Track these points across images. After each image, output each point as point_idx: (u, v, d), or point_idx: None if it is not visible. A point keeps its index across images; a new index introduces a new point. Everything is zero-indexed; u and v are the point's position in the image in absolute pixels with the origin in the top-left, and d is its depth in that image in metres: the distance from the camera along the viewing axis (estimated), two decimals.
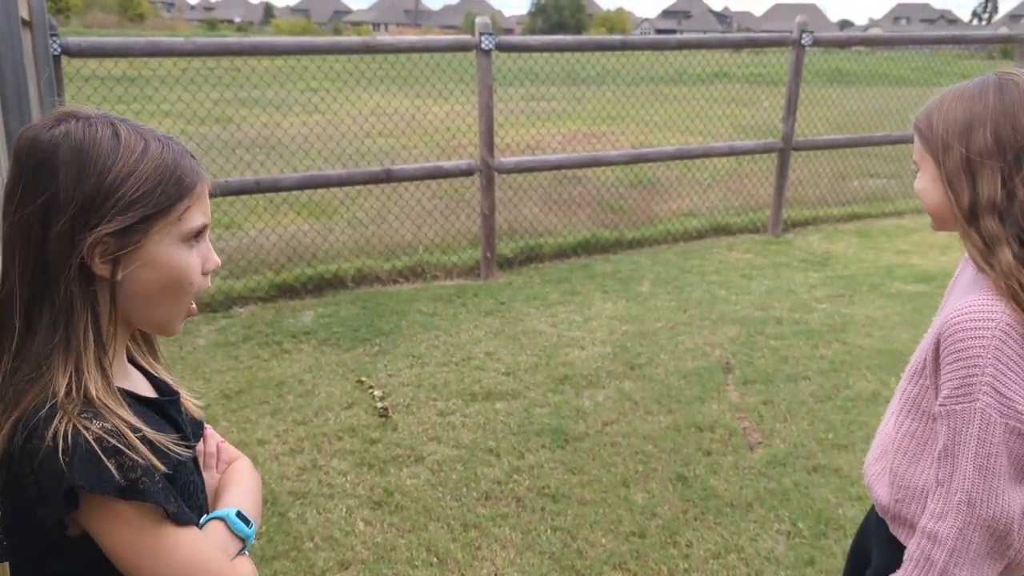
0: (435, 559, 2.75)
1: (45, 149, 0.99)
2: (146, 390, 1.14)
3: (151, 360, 1.20)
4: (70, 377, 0.98)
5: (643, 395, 3.92)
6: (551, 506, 3.04)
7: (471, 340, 4.59)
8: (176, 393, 1.18)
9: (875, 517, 1.60)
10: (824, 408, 3.80)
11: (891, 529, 1.50)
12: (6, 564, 1.07)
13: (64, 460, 0.92)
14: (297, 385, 4.01)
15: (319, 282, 5.49)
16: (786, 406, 3.81)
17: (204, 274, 1.10)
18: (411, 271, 5.80)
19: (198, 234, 1.08)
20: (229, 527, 1.12)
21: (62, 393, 0.96)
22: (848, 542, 2.79)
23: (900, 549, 1.44)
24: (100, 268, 1.00)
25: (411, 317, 4.94)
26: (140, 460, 0.97)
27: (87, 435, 0.94)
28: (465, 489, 3.16)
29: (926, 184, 1.42)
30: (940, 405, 1.32)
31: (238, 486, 1.22)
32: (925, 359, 1.40)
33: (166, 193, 1.03)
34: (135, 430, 0.99)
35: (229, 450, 1.29)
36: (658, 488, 3.17)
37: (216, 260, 1.12)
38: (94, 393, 0.99)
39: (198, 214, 1.07)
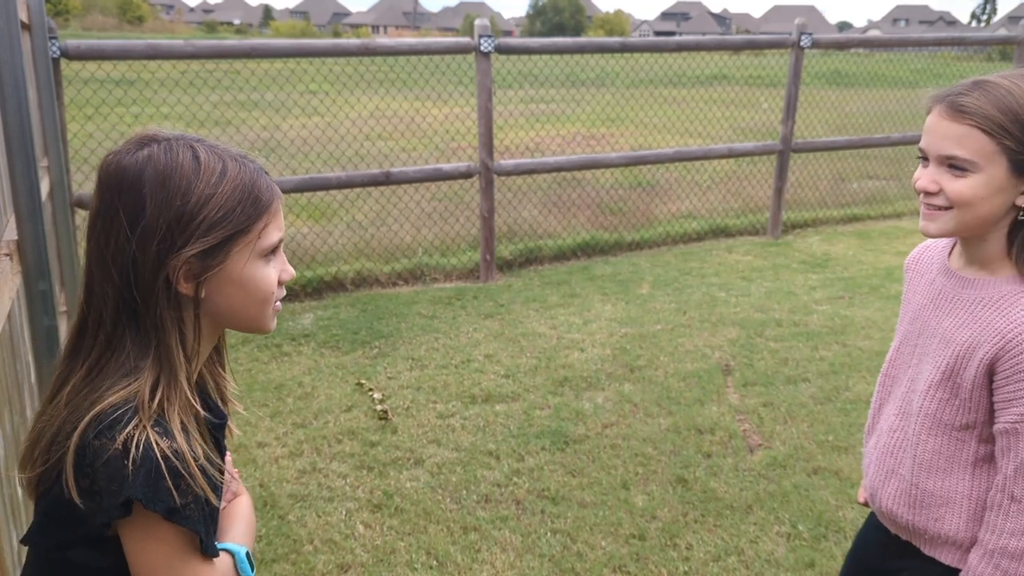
0: (435, 562, 2.75)
1: (130, 175, 1.02)
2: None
3: (219, 370, 1.23)
4: (156, 391, 1.01)
5: (643, 397, 3.92)
6: (551, 508, 3.04)
7: (470, 343, 4.59)
8: (225, 417, 1.20)
9: (896, 543, 1.53)
10: (824, 410, 3.79)
11: (927, 550, 1.46)
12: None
13: (131, 468, 0.95)
14: (296, 388, 4.01)
15: (318, 285, 5.49)
16: (786, 408, 3.81)
17: (280, 284, 1.13)
18: (410, 274, 5.80)
19: (274, 249, 1.11)
20: (236, 565, 1.15)
21: (145, 403, 0.99)
22: (849, 544, 2.79)
23: (946, 570, 1.42)
24: (185, 288, 1.04)
25: (410, 320, 4.93)
26: (194, 487, 1.00)
27: (156, 451, 0.97)
28: (465, 492, 3.16)
29: (983, 190, 1.30)
30: (1015, 421, 1.30)
31: (243, 522, 1.25)
32: (952, 373, 1.37)
33: (245, 213, 1.06)
34: (196, 457, 1.01)
35: (239, 484, 1.32)
36: (658, 490, 3.16)
37: (291, 271, 1.15)
38: (175, 410, 1.01)
39: (274, 230, 1.11)
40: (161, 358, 1.02)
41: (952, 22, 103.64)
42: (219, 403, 1.21)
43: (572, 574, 2.70)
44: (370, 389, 3.98)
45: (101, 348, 1.03)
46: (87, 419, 0.98)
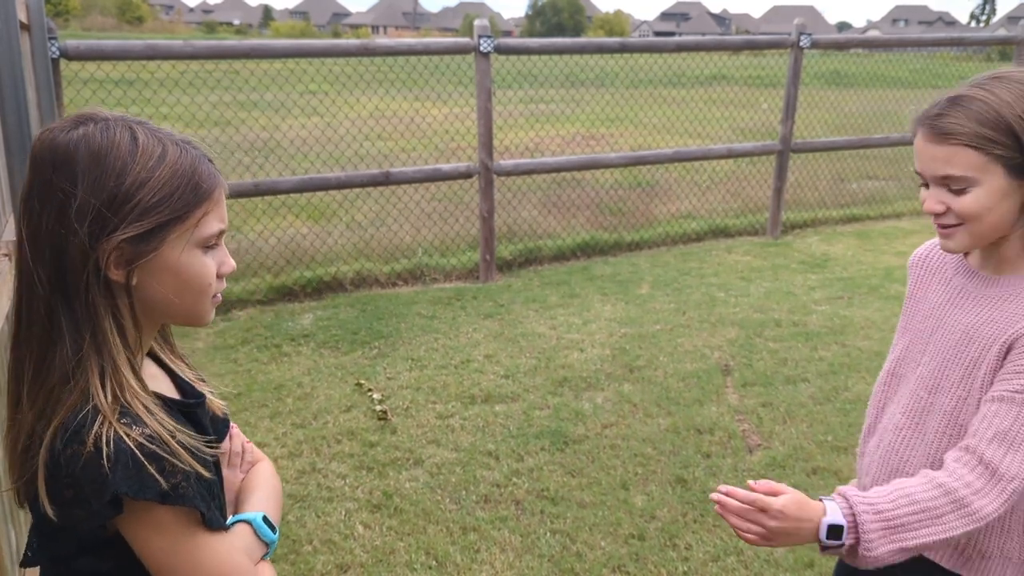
0: (434, 562, 2.75)
1: (63, 152, 0.98)
2: (169, 390, 1.14)
3: (172, 357, 1.20)
4: (105, 382, 0.98)
5: (642, 397, 3.92)
6: (550, 509, 3.04)
7: (470, 343, 4.59)
8: (201, 395, 1.18)
9: None
10: (823, 410, 3.79)
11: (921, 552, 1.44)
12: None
13: (108, 466, 0.93)
14: (296, 388, 4.01)
15: (318, 285, 5.49)
16: (785, 408, 3.81)
17: (219, 277, 1.10)
18: (410, 274, 5.80)
19: (214, 239, 1.08)
20: (255, 531, 1.13)
21: (100, 398, 0.97)
22: None
23: (934, 567, 1.41)
24: (115, 274, 1.00)
25: (410, 320, 4.93)
26: (180, 464, 0.98)
27: (129, 442, 0.95)
28: (464, 492, 3.15)
29: (987, 201, 1.31)
30: (1013, 391, 1.28)
31: (263, 490, 1.23)
32: (973, 368, 1.36)
33: (183, 200, 1.02)
34: (173, 434, 1.00)
35: (254, 451, 1.29)
36: (657, 490, 3.16)
37: (232, 264, 1.12)
38: (130, 397, 0.99)
39: (215, 220, 1.07)
40: (99, 347, 0.99)
41: (951, 22, 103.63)
42: (192, 383, 1.18)
43: (571, 574, 2.70)
44: (369, 389, 3.98)
45: (41, 338, 0.99)
46: (51, 432, 0.96)
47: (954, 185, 1.32)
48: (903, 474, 1.46)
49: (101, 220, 0.97)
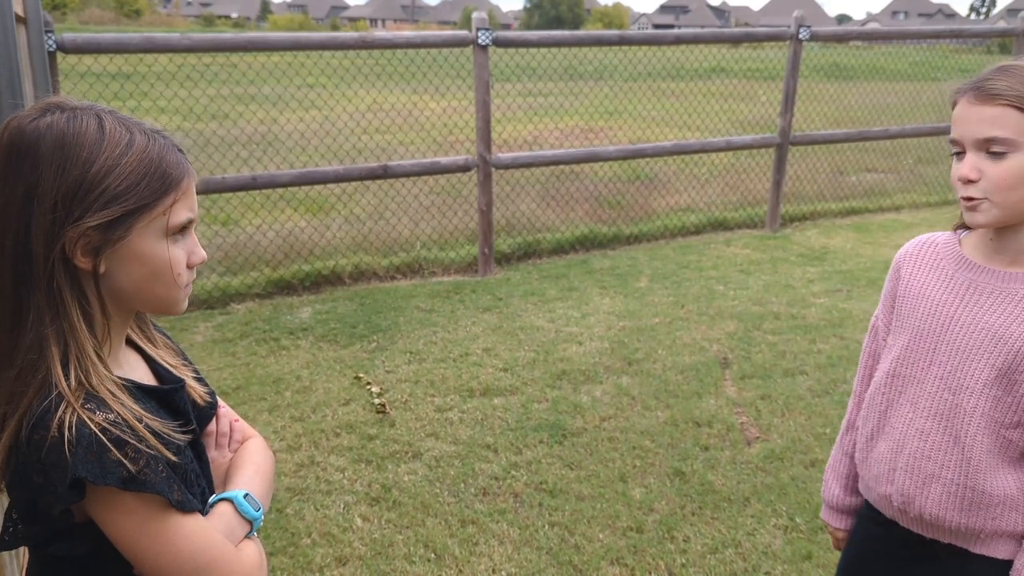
0: (433, 555, 2.76)
1: (28, 140, 0.98)
2: (146, 377, 1.13)
3: (148, 342, 1.19)
4: (69, 368, 0.98)
5: (641, 390, 3.92)
6: (549, 501, 3.05)
7: (469, 336, 4.59)
8: (180, 381, 1.17)
9: (919, 546, 1.49)
10: (822, 403, 3.80)
11: (976, 549, 1.43)
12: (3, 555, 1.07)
13: (69, 451, 0.93)
14: (295, 382, 4.01)
15: (316, 279, 5.49)
16: (784, 401, 3.82)
17: (189, 267, 1.09)
18: (408, 267, 5.79)
19: (183, 228, 1.07)
20: (237, 509, 1.13)
21: (63, 385, 0.97)
22: None
23: (994, 563, 1.40)
24: (82, 261, 1.00)
25: (409, 313, 4.93)
26: (145, 450, 0.97)
27: (92, 426, 0.95)
28: (463, 485, 3.16)
29: (1020, 172, 1.29)
30: None
31: (248, 467, 1.23)
32: (1009, 370, 1.34)
33: (150, 188, 1.02)
34: (139, 419, 0.99)
35: (243, 429, 1.28)
36: (656, 483, 3.17)
37: (202, 254, 1.11)
38: (96, 382, 0.99)
39: (183, 209, 1.06)
40: (64, 335, 0.99)
41: (951, 15, 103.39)
42: (170, 369, 1.18)
43: (570, 567, 2.70)
44: (368, 383, 3.98)
45: (8, 326, 0.99)
46: (15, 420, 0.96)
47: (995, 147, 1.29)
48: (941, 479, 1.42)
49: (67, 207, 0.97)
